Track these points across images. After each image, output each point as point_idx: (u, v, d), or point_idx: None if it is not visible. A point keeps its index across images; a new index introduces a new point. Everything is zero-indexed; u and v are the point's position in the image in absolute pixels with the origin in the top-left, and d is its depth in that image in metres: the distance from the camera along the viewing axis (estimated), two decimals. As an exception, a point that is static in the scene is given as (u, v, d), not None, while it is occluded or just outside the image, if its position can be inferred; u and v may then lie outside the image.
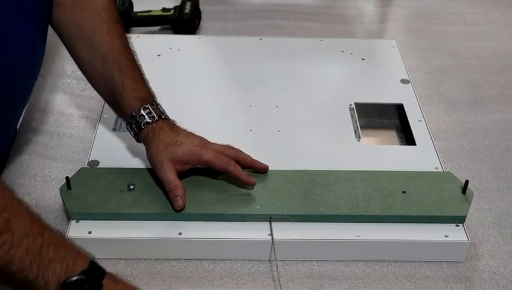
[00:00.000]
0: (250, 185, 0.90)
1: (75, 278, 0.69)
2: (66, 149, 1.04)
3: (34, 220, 0.70)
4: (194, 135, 0.92)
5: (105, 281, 0.71)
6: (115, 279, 0.73)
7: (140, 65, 0.96)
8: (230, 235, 0.87)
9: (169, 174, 0.88)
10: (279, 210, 0.88)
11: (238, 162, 0.92)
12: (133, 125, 0.92)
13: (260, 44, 1.27)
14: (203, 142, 0.92)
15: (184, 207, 0.87)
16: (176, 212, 0.87)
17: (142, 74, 0.95)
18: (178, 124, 0.93)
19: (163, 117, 0.92)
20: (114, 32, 0.95)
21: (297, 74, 1.18)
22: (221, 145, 0.92)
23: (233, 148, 0.93)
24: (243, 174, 0.90)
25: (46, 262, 0.68)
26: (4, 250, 0.66)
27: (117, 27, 0.96)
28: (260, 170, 0.93)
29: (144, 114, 0.91)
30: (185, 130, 0.92)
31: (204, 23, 1.42)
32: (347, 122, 1.07)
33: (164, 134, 0.91)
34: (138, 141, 0.94)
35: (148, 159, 0.92)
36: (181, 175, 0.90)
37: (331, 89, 1.17)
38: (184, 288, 0.84)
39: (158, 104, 0.93)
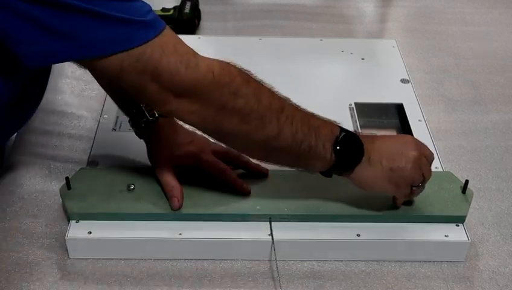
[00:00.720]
0: (244, 193, 0.90)
1: (340, 138, 0.81)
2: (66, 149, 1.04)
3: (286, 99, 0.81)
4: (195, 135, 0.91)
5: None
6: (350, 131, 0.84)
7: None
8: (230, 235, 0.87)
9: (167, 175, 0.88)
10: (279, 210, 0.88)
11: (238, 164, 0.92)
12: (135, 122, 0.92)
13: (260, 44, 1.27)
14: (203, 144, 0.91)
15: (181, 207, 0.87)
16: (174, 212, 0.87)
17: None
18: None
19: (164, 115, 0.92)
20: None
21: (297, 74, 1.18)
22: (222, 146, 0.91)
23: (234, 150, 0.92)
24: (238, 183, 0.90)
25: (317, 128, 0.80)
26: (288, 123, 0.79)
27: None
28: (260, 172, 0.93)
29: (146, 111, 0.91)
30: (187, 130, 0.91)
31: (204, 23, 1.42)
32: (347, 122, 1.07)
33: (164, 133, 0.90)
34: (140, 137, 0.93)
35: (148, 157, 0.92)
36: (181, 175, 0.90)
37: (331, 89, 1.17)
38: (184, 288, 0.84)
39: None
